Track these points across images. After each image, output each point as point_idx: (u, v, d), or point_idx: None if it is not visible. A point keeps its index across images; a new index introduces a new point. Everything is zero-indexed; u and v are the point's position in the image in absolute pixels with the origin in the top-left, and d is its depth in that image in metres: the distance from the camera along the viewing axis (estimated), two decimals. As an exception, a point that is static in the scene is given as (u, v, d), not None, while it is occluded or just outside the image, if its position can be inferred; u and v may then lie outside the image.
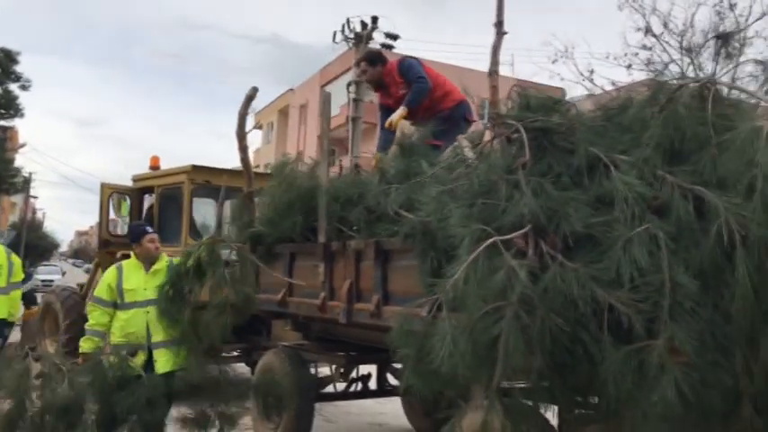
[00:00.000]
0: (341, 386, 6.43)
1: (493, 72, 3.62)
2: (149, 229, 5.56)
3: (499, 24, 3.64)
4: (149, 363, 5.13)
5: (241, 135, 6.08)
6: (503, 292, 2.89)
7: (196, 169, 8.52)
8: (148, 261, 5.30)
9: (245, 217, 5.97)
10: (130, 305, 5.16)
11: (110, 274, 5.30)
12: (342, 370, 6.14)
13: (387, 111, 6.29)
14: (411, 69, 6.11)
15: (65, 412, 4.60)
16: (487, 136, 3.90)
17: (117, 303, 5.20)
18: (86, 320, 9.77)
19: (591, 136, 3.40)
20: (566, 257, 2.98)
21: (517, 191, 3.21)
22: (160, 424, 4.93)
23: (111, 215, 10.43)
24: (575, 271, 2.91)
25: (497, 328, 2.85)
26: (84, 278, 16.54)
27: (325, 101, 5.44)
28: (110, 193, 10.15)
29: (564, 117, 3.54)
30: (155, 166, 9.71)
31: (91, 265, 28.72)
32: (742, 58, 14.96)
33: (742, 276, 2.80)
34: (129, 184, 9.97)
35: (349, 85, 22.59)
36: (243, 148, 6.10)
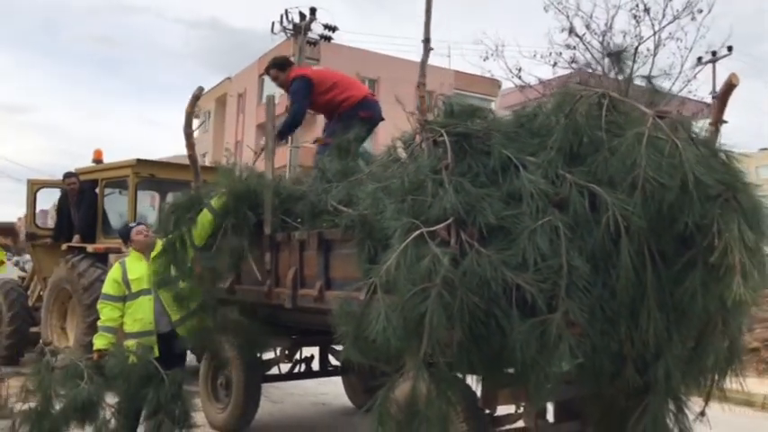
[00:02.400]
0: (284, 369, 6.85)
1: (421, 84, 4.11)
2: (133, 223, 5.91)
3: (426, 41, 4.13)
4: (164, 348, 5.46)
5: (188, 132, 6.40)
6: (428, 275, 3.37)
7: (141, 163, 8.74)
8: (147, 251, 5.67)
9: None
10: (137, 294, 5.48)
11: (115, 271, 5.59)
12: (286, 352, 6.57)
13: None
14: (294, 94, 6.62)
15: (85, 408, 4.85)
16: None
17: (126, 296, 5.49)
18: (29, 313, 9.95)
19: (505, 140, 3.92)
20: (481, 246, 3.49)
21: (441, 188, 3.70)
22: (188, 413, 5.21)
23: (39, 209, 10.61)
24: (488, 257, 3.43)
25: (424, 306, 3.33)
26: (13, 271, 16.34)
27: (269, 103, 5.82)
28: (37, 188, 10.31)
29: (482, 123, 4.05)
30: (98, 160, 9.87)
31: (19, 258, 27.83)
32: (657, 58, 15.97)
33: (625, 259, 3.39)
34: (58, 177, 10.05)
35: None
36: (190, 145, 6.41)
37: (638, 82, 4.38)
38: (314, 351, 6.99)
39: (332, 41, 24.84)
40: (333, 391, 8.00)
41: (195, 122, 6.54)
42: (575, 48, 16.58)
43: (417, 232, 3.51)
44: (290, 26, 23.11)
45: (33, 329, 9.87)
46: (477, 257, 3.44)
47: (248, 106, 39.55)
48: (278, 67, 6.78)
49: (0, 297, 10.11)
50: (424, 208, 3.68)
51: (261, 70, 36.90)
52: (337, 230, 4.64)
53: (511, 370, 3.71)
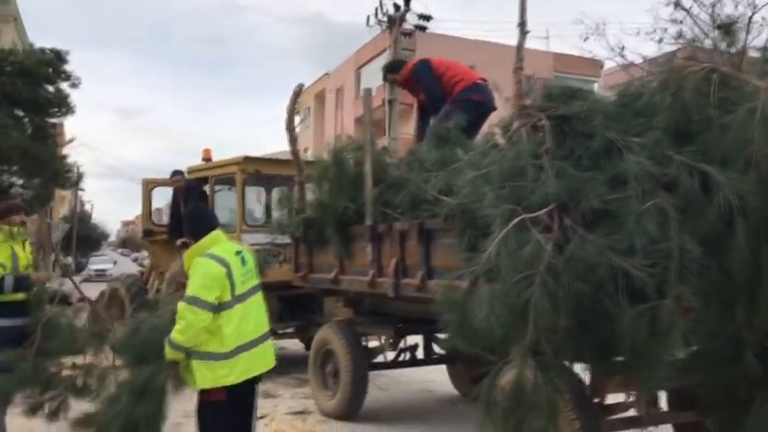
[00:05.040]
0: (388, 357, 6.97)
1: (517, 68, 4.06)
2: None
3: (522, 24, 4.07)
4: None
5: (290, 128, 6.61)
6: (531, 262, 3.34)
7: (247, 160, 9.06)
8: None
9: (297, 204, 6.50)
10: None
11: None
12: (391, 341, 6.68)
13: (421, 106, 6.83)
14: (421, 78, 6.66)
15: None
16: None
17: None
18: (149, 307, 10.52)
19: (607, 121, 3.81)
20: (586, 231, 3.42)
21: (542, 173, 3.66)
22: None
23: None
24: (594, 242, 3.35)
25: (528, 293, 3.31)
26: (132, 267, 17.31)
27: (367, 95, 5.92)
28: (152, 186, 10.88)
29: (583, 105, 3.95)
30: (207, 158, 10.32)
31: (138, 254, 29.48)
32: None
33: (741, 241, 3.24)
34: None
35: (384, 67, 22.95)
36: (292, 140, 6.61)
37: (752, 54, 4.14)
38: (417, 339, 7.06)
39: (426, 31, 24.77)
40: (438, 378, 8.04)
41: (297, 119, 6.72)
42: (681, 22, 15.75)
43: (518, 219, 3.48)
44: (385, 18, 23.21)
45: (155, 321, 10.46)
46: (582, 243, 3.37)
47: (346, 101, 40.09)
48: (391, 70, 6.93)
49: (123, 290, 10.75)
50: (524, 194, 3.65)
51: (358, 64, 37.37)
52: (438, 220, 4.66)
53: (620, 357, 3.63)
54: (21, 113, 20.83)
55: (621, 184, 3.56)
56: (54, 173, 23.00)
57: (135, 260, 67.62)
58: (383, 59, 28.27)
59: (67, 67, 22.22)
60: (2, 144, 16.44)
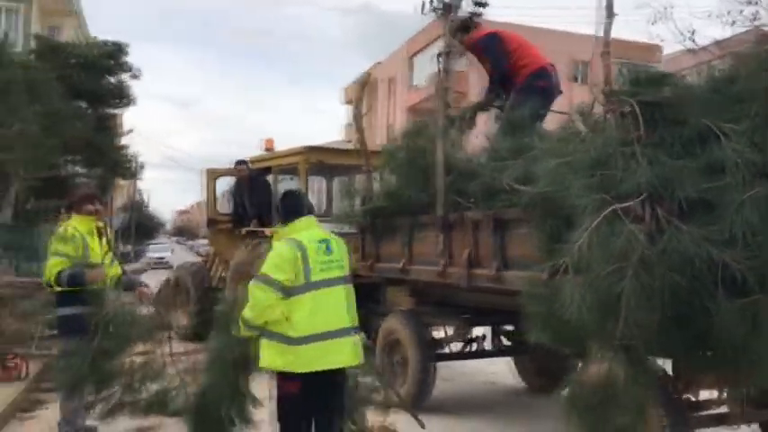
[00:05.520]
0: (454, 348, 6.90)
1: (605, 53, 3.92)
2: None
3: (609, 8, 3.93)
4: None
5: (357, 117, 6.58)
6: (624, 253, 3.23)
7: (310, 149, 9.08)
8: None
9: (364, 193, 6.47)
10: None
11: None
12: (458, 332, 6.62)
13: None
14: (486, 51, 6.57)
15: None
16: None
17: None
18: (212, 293, 10.66)
19: (700, 107, 3.65)
20: (681, 221, 3.28)
21: (633, 161, 3.52)
22: None
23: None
24: (690, 233, 3.22)
25: (620, 286, 3.20)
26: (188, 255, 17.60)
27: (437, 80, 5.85)
28: (214, 176, 11.03)
29: (673, 90, 3.80)
30: (269, 148, 10.39)
31: (193, 243, 29.97)
32: None
33: None
34: (230, 165, 10.69)
35: (438, 55, 22.77)
36: (360, 130, 6.59)
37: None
38: (480, 330, 6.98)
39: (482, 18, 24.42)
40: (502, 370, 7.95)
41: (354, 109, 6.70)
42: (757, 2, 15.04)
43: (610, 209, 3.37)
44: (440, 5, 22.99)
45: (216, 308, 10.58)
46: (677, 234, 3.24)
47: (398, 90, 39.95)
48: (462, 29, 6.76)
49: (188, 278, 10.94)
50: (613, 183, 3.52)
51: (410, 53, 37.16)
52: (515, 209, 4.57)
53: (711, 352, 3.50)
54: (83, 105, 21.36)
55: (717, 172, 3.41)
56: (114, 163, 23.57)
57: (190, 249, 68.93)
58: (436, 48, 28.06)
59: (127, 59, 22.67)
60: (66, 135, 16.83)
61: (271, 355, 3.86)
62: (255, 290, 3.83)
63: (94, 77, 21.29)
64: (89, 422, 5.10)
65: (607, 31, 3.94)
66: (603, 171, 3.60)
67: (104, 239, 5.35)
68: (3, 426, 5.42)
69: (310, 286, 3.86)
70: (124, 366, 4.83)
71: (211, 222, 11.04)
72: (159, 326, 5.95)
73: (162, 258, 40.89)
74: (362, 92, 6.47)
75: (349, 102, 45.22)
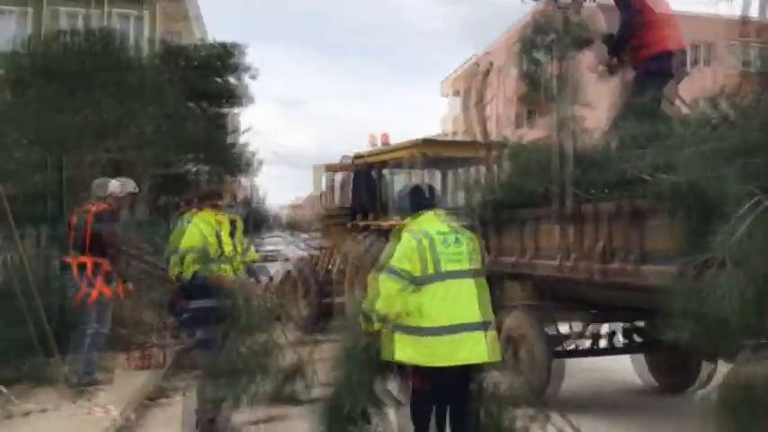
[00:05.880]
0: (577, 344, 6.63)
1: (744, 32, 3.62)
2: None
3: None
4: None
5: (479, 108, 6.44)
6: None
7: (424, 142, 9.01)
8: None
9: (482, 184, 6.33)
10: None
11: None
12: (585, 328, 6.37)
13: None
14: (626, 7, 6.13)
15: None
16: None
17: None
18: (321, 286, 10.78)
19: None
20: None
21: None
22: None
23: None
24: None
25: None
26: (298, 249, 18.02)
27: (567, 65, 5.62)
28: (324, 171, 11.19)
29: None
30: (384, 142, 10.42)
31: (301, 236, 30.73)
32: None
33: None
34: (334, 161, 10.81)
35: (550, 42, 22.16)
36: (481, 120, 6.45)
37: None
38: (602, 327, 6.69)
39: (592, 3, 23.52)
40: (625, 367, 7.60)
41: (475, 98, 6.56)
42: None
43: (771, 198, 3.09)
44: (547, -9, 22.32)
45: (325, 300, 10.71)
46: None
47: (504, 79, 39.22)
48: None
49: (303, 270, 11.18)
50: (772, 170, 3.24)
51: (511, 42, 36.38)
52: (654, 200, 4.30)
53: None
54: (198, 105, 22.23)
55: None
56: (228, 160, 24.39)
57: (293, 243, 70.53)
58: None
59: (238, 60, 23.37)
60: (183, 134, 17.55)
61: (402, 348, 3.82)
62: (384, 280, 3.83)
63: (207, 78, 22.09)
64: (223, 411, 5.24)
65: (745, 9, 3.62)
66: (759, 158, 3.31)
67: (236, 232, 5.48)
68: (143, 412, 5.68)
69: (440, 276, 3.82)
70: (256, 357, 4.92)
71: (323, 216, 11.23)
72: (282, 317, 6.14)
73: (272, 251, 42.15)
74: (485, 81, 6.30)
75: (455, 93, 44.84)
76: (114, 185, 6.58)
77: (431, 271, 3.81)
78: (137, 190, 6.65)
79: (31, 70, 14.23)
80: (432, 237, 3.87)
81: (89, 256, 6.31)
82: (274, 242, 45.76)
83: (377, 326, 3.93)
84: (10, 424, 5.01)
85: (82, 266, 6.33)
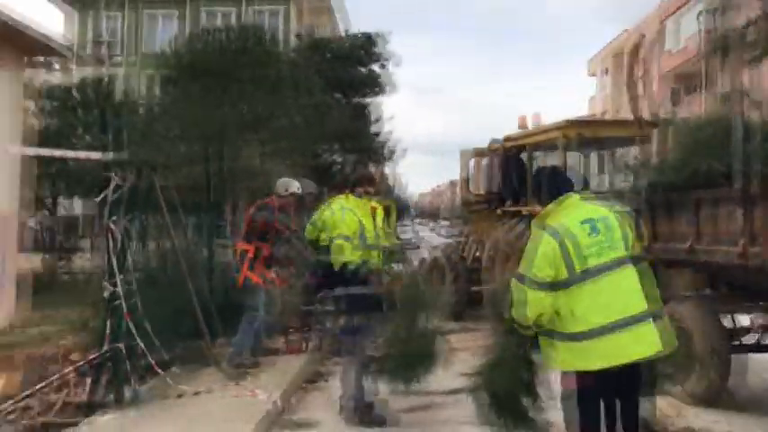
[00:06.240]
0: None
1: None
2: None
3: None
4: None
5: (630, 84, 6.05)
6: None
7: (571, 123, 8.63)
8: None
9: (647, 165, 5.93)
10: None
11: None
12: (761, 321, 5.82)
13: None
14: None
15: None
16: None
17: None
18: (469, 273, 10.62)
19: None
20: None
21: None
22: None
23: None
24: None
25: None
26: (432, 237, 17.85)
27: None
28: (468, 157, 10.96)
29: None
30: (523, 126, 10.11)
31: (434, 224, 30.73)
32: None
33: None
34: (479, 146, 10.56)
35: (699, 14, 20.68)
36: (633, 98, 6.06)
37: None
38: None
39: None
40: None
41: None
42: None
43: None
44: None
45: (474, 289, 10.56)
46: None
47: (657, 54, 37.04)
48: None
49: (445, 258, 11.09)
50: None
51: (662, 16, 34.24)
52: None
53: None
54: (344, 95, 22.79)
55: None
56: (369, 149, 24.85)
57: (432, 230, 70.86)
58: (697, 8, 25.49)
59: (377, 50, 23.71)
60: (328, 124, 18.02)
61: (559, 355, 3.58)
62: (514, 290, 3.61)
63: (349, 69, 22.60)
64: (370, 398, 5.27)
65: None
66: None
67: (379, 219, 5.47)
68: (290, 395, 5.81)
69: (587, 274, 3.50)
70: (414, 343, 4.92)
71: (467, 203, 11.08)
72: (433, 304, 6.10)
73: (409, 239, 42.55)
74: (636, 55, 5.90)
75: (604, 71, 43.04)
76: (294, 185, 6.82)
77: (578, 270, 3.50)
78: (300, 191, 6.85)
79: (179, 68, 15.19)
80: (574, 233, 3.53)
81: (255, 244, 6.56)
82: (414, 230, 46.33)
83: (529, 332, 3.72)
84: (166, 406, 5.23)
85: (244, 253, 6.65)
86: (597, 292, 3.49)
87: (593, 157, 10.29)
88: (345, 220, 5.12)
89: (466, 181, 11.23)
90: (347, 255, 5.00)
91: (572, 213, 3.65)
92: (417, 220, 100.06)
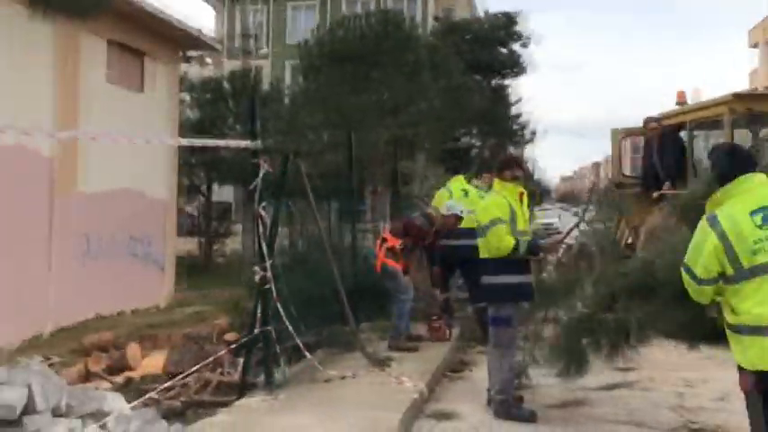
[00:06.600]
0: None
1: None
2: None
3: None
4: None
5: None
6: None
7: (738, 97, 7.87)
8: None
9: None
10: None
11: None
12: None
13: None
14: None
15: None
16: None
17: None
18: (619, 261, 10.04)
19: None
20: None
21: None
22: None
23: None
24: None
25: None
26: (573, 221, 17.22)
27: None
28: (621, 136, 10.28)
29: None
30: (681, 102, 9.38)
31: (577, 209, 29.89)
32: None
33: None
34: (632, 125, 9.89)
35: None
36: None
37: None
38: None
39: None
40: None
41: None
42: None
43: None
44: None
45: (626, 278, 9.98)
46: None
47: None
48: None
49: (594, 244, 10.52)
50: None
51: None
52: None
53: None
54: (483, 76, 22.43)
55: None
56: (509, 131, 24.33)
57: (575, 215, 68.26)
58: None
59: (518, 29, 23.10)
60: (466, 108, 17.77)
61: (733, 348, 3.20)
62: (683, 278, 3.30)
63: (488, 50, 22.16)
64: (519, 391, 5.06)
65: None
66: None
67: (525, 205, 5.22)
68: (435, 384, 5.70)
69: (751, 272, 3.06)
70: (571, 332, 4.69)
71: (618, 185, 10.42)
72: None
73: (550, 224, 41.28)
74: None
75: (757, 44, 39.61)
76: (458, 208, 7.11)
77: (745, 267, 3.07)
78: (463, 214, 7.03)
79: (321, 56, 15.52)
80: (740, 225, 3.08)
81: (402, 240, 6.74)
82: (548, 215, 45.02)
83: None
84: (314, 389, 5.26)
85: (384, 241, 6.84)
86: (762, 291, 3.05)
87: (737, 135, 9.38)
88: (499, 203, 4.91)
89: (618, 162, 10.57)
90: (507, 241, 4.79)
91: (746, 200, 3.18)
92: (558, 205, 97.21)
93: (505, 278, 4.82)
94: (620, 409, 5.11)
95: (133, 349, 7.90)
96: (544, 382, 5.32)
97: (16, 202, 10.24)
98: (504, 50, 22.93)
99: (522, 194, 5.20)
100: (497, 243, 4.77)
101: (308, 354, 5.67)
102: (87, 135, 4.72)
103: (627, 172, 10.51)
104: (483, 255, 4.92)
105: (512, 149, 34.11)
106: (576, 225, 7.51)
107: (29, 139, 10.45)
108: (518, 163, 5.17)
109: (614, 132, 10.28)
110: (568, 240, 11.43)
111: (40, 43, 10.79)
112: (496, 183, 5.08)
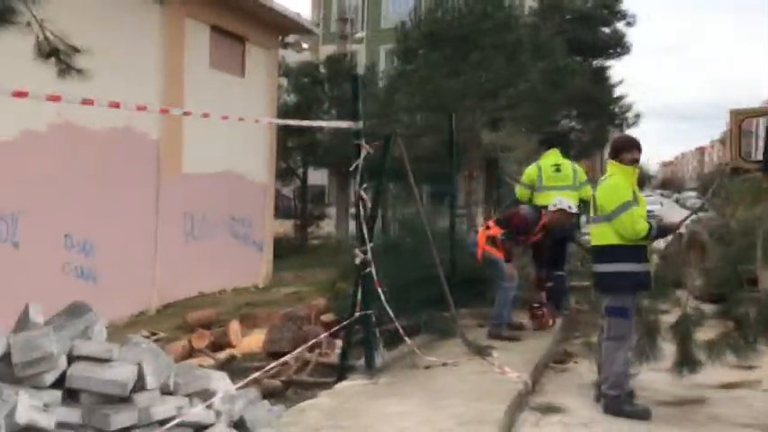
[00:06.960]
0: None
1: None
2: None
3: None
4: None
5: None
6: None
7: None
8: None
9: None
10: None
11: None
12: None
13: None
14: None
15: None
16: None
17: None
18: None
19: None
20: None
21: None
22: None
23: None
24: None
25: None
26: (675, 208, 16.22)
27: None
28: (741, 118, 9.60)
29: None
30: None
31: (679, 196, 28.39)
32: None
33: None
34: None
35: None
36: None
37: None
38: None
39: None
40: None
41: None
42: None
43: None
44: None
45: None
46: None
47: None
48: None
49: (705, 233, 9.95)
50: None
51: None
52: None
53: None
54: (580, 58, 21.59)
55: None
56: (610, 114, 23.37)
57: (676, 201, 65.35)
58: None
59: (621, 7, 22.10)
60: (567, 89, 17.13)
61: None
62: None
63: (590, 30, 21.32)
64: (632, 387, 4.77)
65: None
66: None
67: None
68: (540, 375, 5.47)
69: None
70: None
71: (735, 170, 9.78)
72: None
73: (651, 212, 39.75)
74: None
75: None
76: (565, 203, 6.75)
77: None
78: (571, 209, 6.71)
79: (419, 38, 15.28)
80: None
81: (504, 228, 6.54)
82: (649, 201, 43.40)
83: None
84: (414, 375, 5.14)
85: (487, 227, 6.67)
86: None
87: None
88: (622, 186, 4.60)
89: (738, 145, 9.89)
90: (642, 224, 4.50)
91: None
92: (659, 191, 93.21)
93: (625, 266, 4.53)
94: (742, 410, 4.73)
95: (235, 327, 8.07)
96: (655, 378, 5.01)
97: (126, 182, 10.67)
98: (606, 30, 21.98)
99: (638, 179, 4.90)
100: (633, 226, 4.47)
101: (407, 339, 5.57)
102: (196, 114, 4.76)
103: (747, 156, 9.84)
104: (610, 241, 4.62)
105: (613, 133, 32.92)
106: (697, 210, 7.05)
107: (138, 122, 10.86)
108: (637, 145, 4.81)
109: (734, 113, 9.61)
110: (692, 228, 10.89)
111: (149, 29, 11.15)
112: (612, 165, 4.76)
